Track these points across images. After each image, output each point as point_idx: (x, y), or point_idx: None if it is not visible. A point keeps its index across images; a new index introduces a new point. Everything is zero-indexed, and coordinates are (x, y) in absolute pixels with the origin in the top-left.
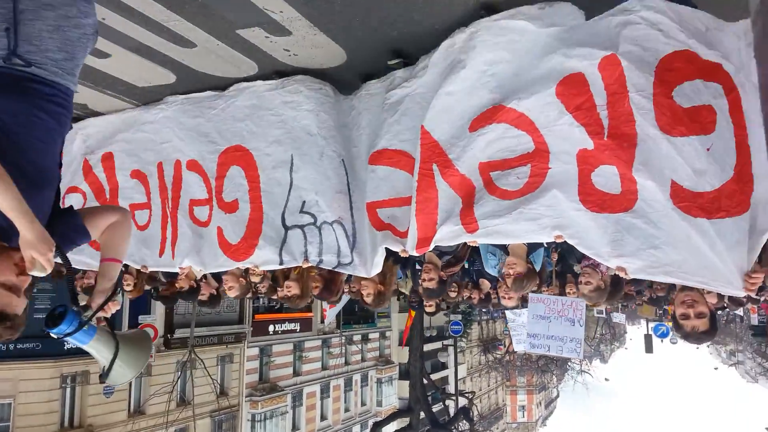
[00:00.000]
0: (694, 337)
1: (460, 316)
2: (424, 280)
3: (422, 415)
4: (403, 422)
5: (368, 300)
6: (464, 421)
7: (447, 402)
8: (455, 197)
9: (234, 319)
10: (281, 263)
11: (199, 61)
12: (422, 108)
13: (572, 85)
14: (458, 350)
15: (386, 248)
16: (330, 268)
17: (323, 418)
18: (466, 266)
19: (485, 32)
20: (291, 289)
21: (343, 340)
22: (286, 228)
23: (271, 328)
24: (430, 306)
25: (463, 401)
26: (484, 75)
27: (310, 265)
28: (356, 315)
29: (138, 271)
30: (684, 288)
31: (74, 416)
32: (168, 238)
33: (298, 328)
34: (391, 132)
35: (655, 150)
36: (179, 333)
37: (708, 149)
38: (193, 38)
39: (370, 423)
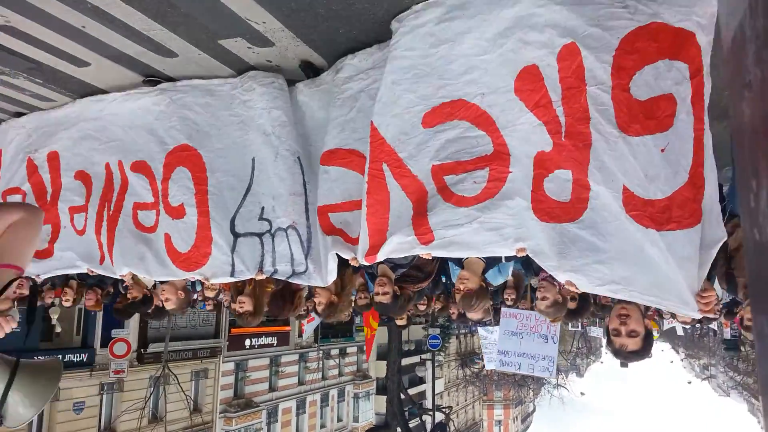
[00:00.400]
0: (622, 355)
1: (438, 330)
2: (377, 293)
3: (399, 431)
4: None
5: (319, 309)
6: None
7: (424, 417)
8: (407, 201)
9: (210, 333)
10: (233, 274)
11: (179, 71)
12: None
13: (528, 80)
14: (436, 364)
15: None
16: (285, 279)
17: None
18: (443, 279)
19: (434, 8)
20: (244, 305)
21: (320, 355)
22: (236, 235)
23: (247, 342)
24: (402, 319)
25: (440, 416)
26: (430, 59)
27: (264, 276)
28: (334, 328)
29: (78, 284)
30: (621, 301)
31: None
32: (104, 244)
33: (275, 342)
34: (346, 130)
35: (610, 152)
36: (153, 347)
37: (663, 150)
38: (175, 48)
39: None
